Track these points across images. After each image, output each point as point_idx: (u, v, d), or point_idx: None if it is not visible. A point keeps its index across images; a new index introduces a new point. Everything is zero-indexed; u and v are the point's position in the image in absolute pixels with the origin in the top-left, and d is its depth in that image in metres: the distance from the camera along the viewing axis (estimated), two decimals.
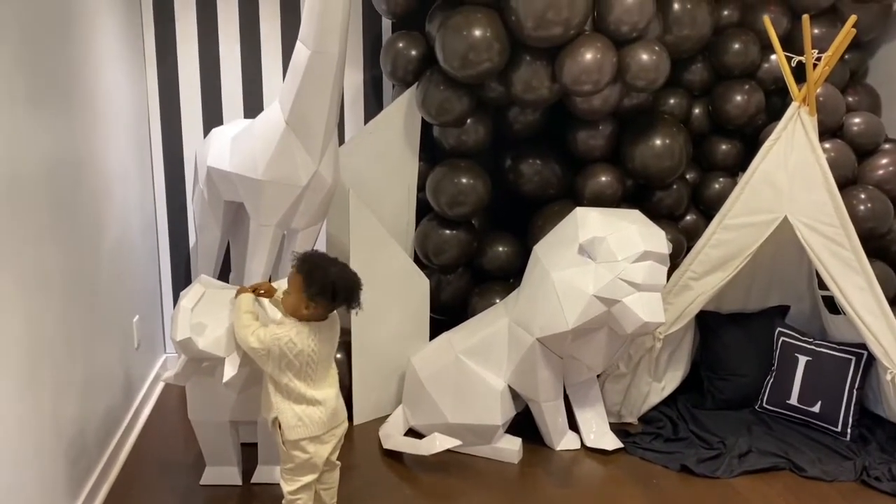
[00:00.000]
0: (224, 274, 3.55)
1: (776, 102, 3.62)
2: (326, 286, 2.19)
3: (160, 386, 3.65)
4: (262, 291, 2.38)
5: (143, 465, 2.91)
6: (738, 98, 3.50)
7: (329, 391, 2.31)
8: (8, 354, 1.94)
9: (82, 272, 2.58)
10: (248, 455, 2.81)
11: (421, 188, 3.57)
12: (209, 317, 2.33)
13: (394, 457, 3.00)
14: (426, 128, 3.51)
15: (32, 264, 2.11)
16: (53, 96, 2.33)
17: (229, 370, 2.27)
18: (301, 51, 2.73)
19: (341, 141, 3.60)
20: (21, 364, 2.02)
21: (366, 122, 3.71)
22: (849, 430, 3.10)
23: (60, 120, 2.39)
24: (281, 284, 2.42)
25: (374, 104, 3.76)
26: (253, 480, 2.76)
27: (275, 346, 2.19)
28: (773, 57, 3.54)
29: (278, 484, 2.59)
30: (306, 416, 2.25)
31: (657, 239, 2.82)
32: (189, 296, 2.37)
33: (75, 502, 2.43)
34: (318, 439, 2.28)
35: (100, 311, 2.77)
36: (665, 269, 2.83)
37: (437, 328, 3.41)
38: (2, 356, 1.91)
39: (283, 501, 2.34)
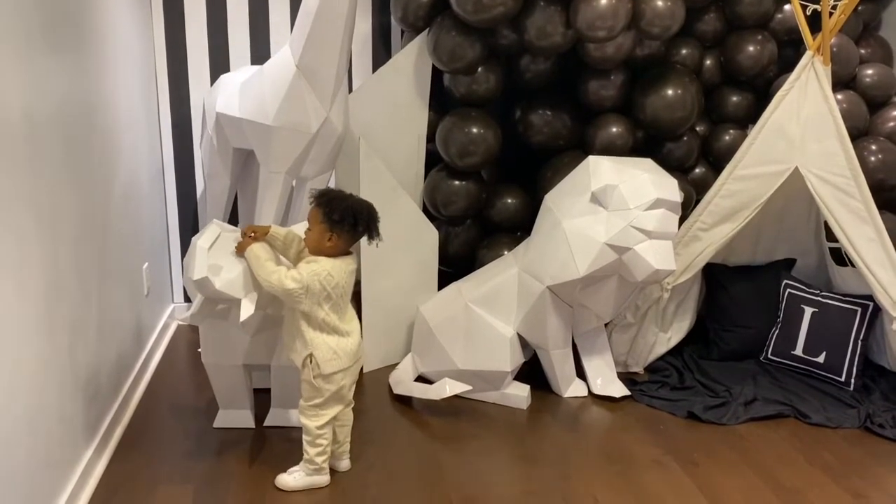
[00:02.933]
0: (233, 223, 3.54)
1: (788, 54, 3.59)
2: (347, 212, 2.25)
3: (169, 334, 3.68)
4: (254, 234, 2.35)
5: (156, 408, 2.94)
6: (751, 49, 3.48)
7: (354, 323, 2.38)
8: (28, 293, 1.94)
9: (95, 217, 2.57)
10: (260, 400, 2.84)
11: (431, 138, 3.55)
12: (224, 259, 2.33)
13: (404, 402, 3.04)
14: (436, 76, 3.47)
15: (49, 206, 2.11)
16: (65, 39, 2.30)
17: (246, 310, 2.28)
18: None
19: (349, 89, 3.57)
20: (39, 304, 2.02)
21: (374, 70, 3.68)
22: (853, 380, 3.14)
23: (72, 64, 2.36)
24: (280, 230, 2.42)
25: (382, 51, 3.72)
26: (266, 423, 2.79)
27: (314, 282, 2.22)
28: (786, 7, 3.51)
29: (291, 427, 2.65)
30: (340, 348, 2.31)
31: (669, 187, 2.82)
32: (205, 236, 2.36)
33: (91, 443, 2.46)
34: (348, 370, 2.35)
35: (111, 257, 2.77)
36: (677, 218, 2.83)
37: (444, 280, 3.42)
38: (22, 294, 1.91)
39: (307, 437, 2.37)
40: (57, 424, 2.16)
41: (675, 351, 3.43)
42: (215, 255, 2.33)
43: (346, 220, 2.25)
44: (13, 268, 1.85)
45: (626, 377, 3.25)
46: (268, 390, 2.81)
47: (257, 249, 2.29)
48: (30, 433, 1.96)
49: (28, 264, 1.94)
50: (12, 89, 1.86)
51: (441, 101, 3.55)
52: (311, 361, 2.30)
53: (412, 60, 3.43)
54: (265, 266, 2.25)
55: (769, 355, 3.37)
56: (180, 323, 3.80)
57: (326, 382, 2.32)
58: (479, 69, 3.34)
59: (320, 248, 2.27)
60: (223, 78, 3.26)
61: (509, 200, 3.58)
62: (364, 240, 2.34)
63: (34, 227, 1.99)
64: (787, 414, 2.96)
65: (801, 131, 3.01)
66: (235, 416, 2.78)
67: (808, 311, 3.27)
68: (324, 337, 2.29)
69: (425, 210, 3.53)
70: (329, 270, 2.25)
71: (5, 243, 1.80)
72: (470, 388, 2.95)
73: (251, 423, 2.78)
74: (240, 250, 2.34)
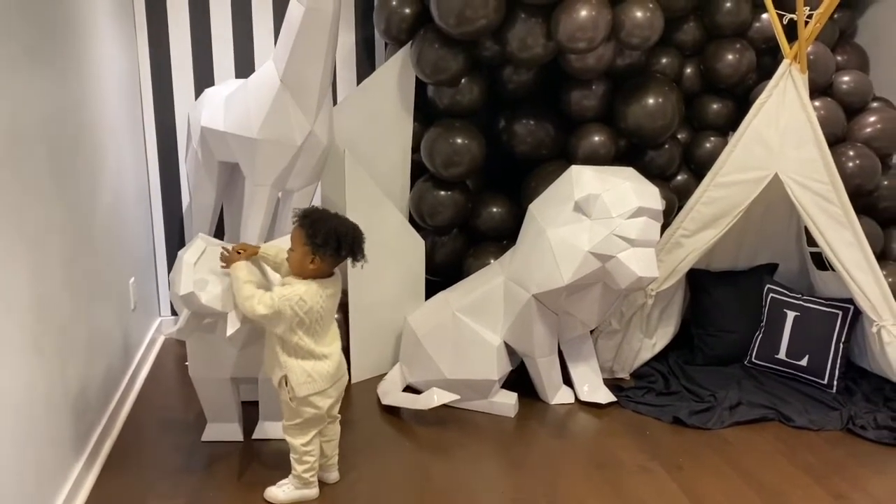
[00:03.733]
0: (218, 236, 3.55)
1: (767, 62, 3.65)
2: (330, 235, 2.20)
3: (157, 348, 3.68)
4: (241, 252, 2.32)
5: (145, 423, 2.94)
6: (730, 57, 3.53)
7: (334, 345, 2.35)
8: (16, 309, 1.95)
9: (81, 232, 2.58)
10: (248, 413, 2.85)
11: (416, 149, 3.57)
12: (210, 273, 2.34)
13: (392, 412, 3.05)
14: (420, 88, 3.50)
15: (35, 223, 2.11)
16: (49, 55, 2.31)
17: (232, 324, 2.29)
18: (295, 7, 2.72)
19: (334, 102, 3.59)
20: (27, 319, 2.03)
21: (358, 82, 3.70)
22: (835, 383, 3.18)
23: (56, 80, 2.37)
24: (274, 244, 2.43)
25: (366, 64, 3.75)
26: (254, 436, 2.79)
27: (285, 307, 2.19)
28: (764, 16, 3.56)
29: (280, 439, 2.64)
30: (315, 371, 2.28)
31: (651, 195, 2.86)
32: (191, 251, 2.37)
33: (80, 458, 2.46)
34: (325, 393, 2.32)
35: (97, 272, 2.78)
36: (659, 225, 2.87)
37: (431, 289, 3.44)
38: (11, 311, 1.92)
39: (294, 455, 2.38)
40: (45, 440, 2.16)
41: (661, 356, 3.46)
42: (201, 270, 2.33)
43: (329, 243, 2.20)
44: None
45: (612, 383, 3.27)
46: (256, 403, 2.82)
47: (239, 271, 2.25)
48: (18, 449, 1.96)
49: (14, 280, 1.95)
50: None
51: (425, 113, 3.57)
52: (286, 384, 2.30)
53: (396, 73, 3.45)
54: (242, 289, 2.22)
55: (753, 359, 3.41)
56: (167, 337, 3.79)
57: (303, 405, 2.31)
58: (463, 80, 3.37)
59: (303, 270, 2.25)
60: (208, 92, 3.27)
61: (495, 209, 3.61)
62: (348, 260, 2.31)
63: (20, 244, 2.00)
64: (770, 417, 3.00)
65: (780, 138, 3.06)
66: (224, 429, 2.78)
67: (791, 315, 3.32)
68: (298, 361, 2.27)
69: (411, 220, 3.55)
70: (301, 295, 2.20)
71: None
72: (458, 397, 2.97)
73: (239, 437, 2.78)
74: (226, 263, 2.32)
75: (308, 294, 2.22)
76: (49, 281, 2.22)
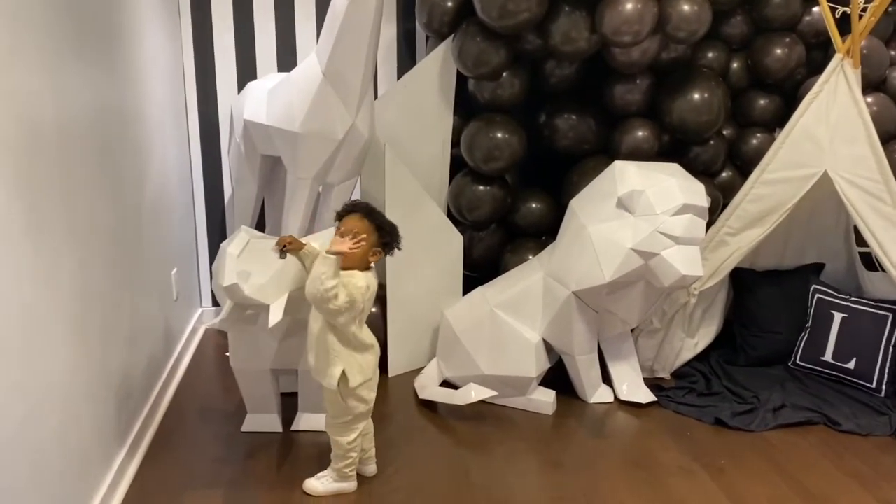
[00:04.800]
0: (259, 229, 3.57)
1: (816, 56, 3.55)
2: (394, 234, 2.29)
3: (197, 338, 3.73)
4: (290, 243, 2.25)
5: (186, 412, 2.98)
6: (779, 51, 3.44)
7: (373, 337, 2.38)
8: (61, 299, 1.98)
9: (126, 223, 2.62)
10: (287, 404, 2.87)
11: (455, 143, 3.55)
12: (253, 265, 2.36)
13: (429, 407, 3.05)
14: (461, 81, 3.48)
15: (82, 213, 2.15)
16: (96, 49, 2.34)
17: (275, 315, 2.31)
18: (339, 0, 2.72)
19: (375, 95, 3.59)
20: (73, 309, 2.06)
21: (399, 76, 3.69)
22: (884, 387, 3.09)
23: (103, 73, 2.40)
24: (314, 247, 2.41)
25: (407, 58, 3.74)
26: (293, 428, 2.81)
27: (358, 296, 2.20)
28: (814, 9, 3.46)
29: (318, 431, 2.66)
30: (364, 361, 2.32)
31: (696, 192, 2.81)
32: (234, 243, 2.39)
33: (122, 447, 2.50)
34: (369, 384, 2.35)
35: (142, 262, 2.82)
36: (704, 223, 2.81)
37: (469, 285, 3.43)
38: (56, 300, 1.95)
39: (338, 452, 2.39)
40: (89, 429, 2.20)
41: (702, 356, 3.40)
42: (245, 262, 2.35)
43: (394, 240, 2.30)
44: (47, 275, 1.89)
45: (653, 383, 3.23)
46: (295, 394, 2.84)
47: (316, 258, 2.18)
48: (63, 438, 2.00)
49: (61, 271, 1.98)
50: (45, 100, 1.90)
51: (466, 107, 3.55)
52: (342, 379, 2.29)
53: (437, 66, 3.44)
54: (330, 280, 2.11)
55: (797, 361, 3.33)
56: (209, 328, 3.84)
57: (353, 399, 2.33)
58: (504, 74, 3.34)
59: (363, 263, 2.26)
60: (250, 85, 3.30)
61: (534, 205, 3.57)
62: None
63: (67, 235, 2.03)
64: (816, 421, 2.92)
65: (830, 135, 2.98)
66: (263, 420, 2.81)
67: (838, 316, 3.23)
68: (352, 353, 2.29)
69: (450, 215, 3.53)
70: (368, 284, 2.25)
71: (40, 251, 1.84)
72: (495, 393, 2.96)
73: (279, 428, 2.80)
74: (286, 246, 2.21)
75: (371, 283, 2.27)
76: (94, 271, 2.25)
